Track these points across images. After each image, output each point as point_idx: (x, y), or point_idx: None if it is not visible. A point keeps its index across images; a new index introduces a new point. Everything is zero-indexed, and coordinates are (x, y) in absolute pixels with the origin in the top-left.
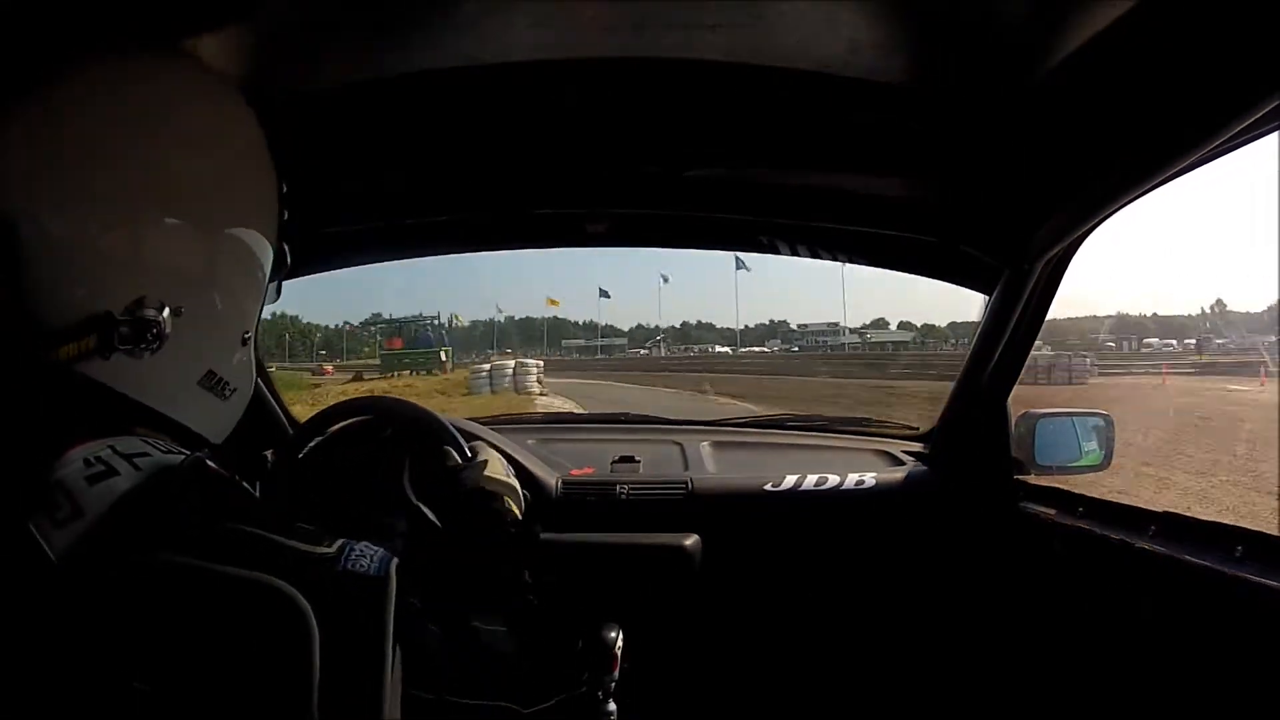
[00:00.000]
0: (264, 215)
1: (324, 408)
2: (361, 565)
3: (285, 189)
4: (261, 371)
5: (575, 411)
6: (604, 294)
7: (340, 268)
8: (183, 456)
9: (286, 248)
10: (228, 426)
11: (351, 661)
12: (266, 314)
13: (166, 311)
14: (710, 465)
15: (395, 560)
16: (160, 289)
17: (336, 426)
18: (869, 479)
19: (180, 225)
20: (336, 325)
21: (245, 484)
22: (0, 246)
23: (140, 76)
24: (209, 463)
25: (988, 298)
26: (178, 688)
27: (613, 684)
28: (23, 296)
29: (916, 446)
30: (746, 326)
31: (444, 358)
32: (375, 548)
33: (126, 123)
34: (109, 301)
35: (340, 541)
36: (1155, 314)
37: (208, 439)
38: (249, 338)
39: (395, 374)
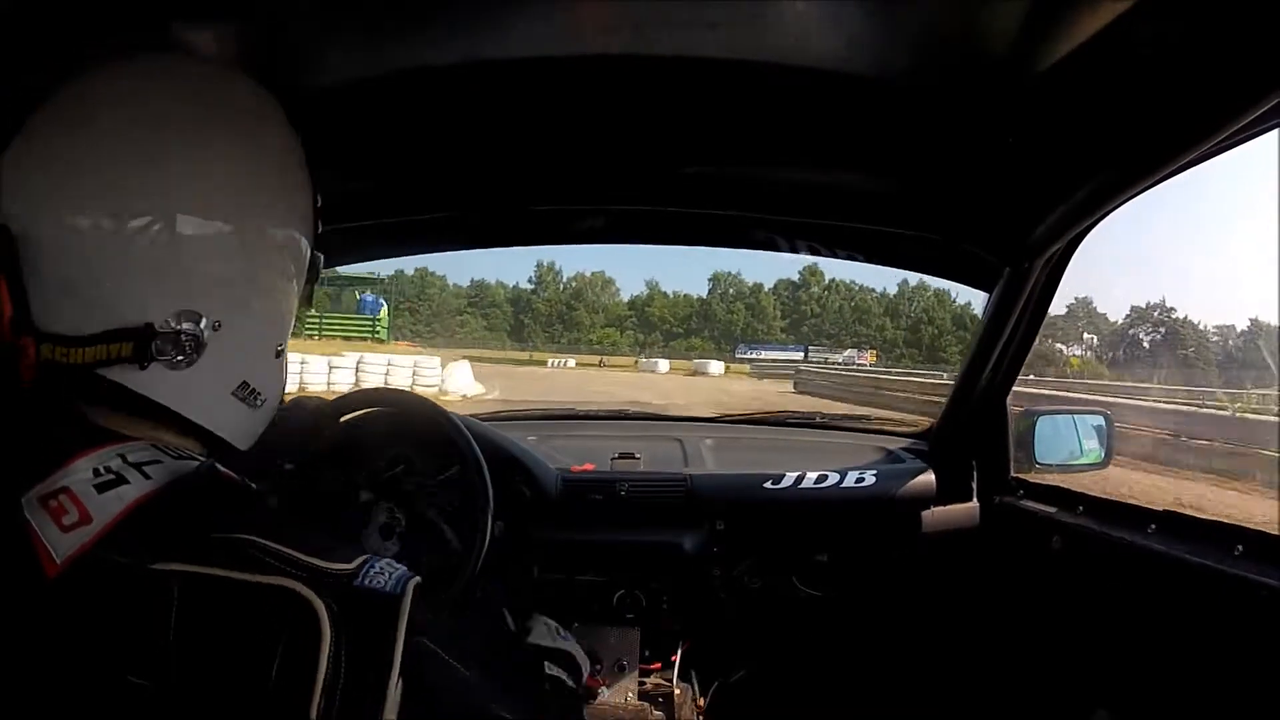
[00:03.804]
0: (302, 228)
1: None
2: (379, 583)
3: (320, 203)
4: None
5: (576, 408)
6: (799, 282)
7: (338, 265)
8: (196, 463)
9: (321, 257)
10: (255, 434)
11: (356, 675)
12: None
13: (205, 324)
14: (710, 462)
15: (415, 580)
16: (202, 302)
17: (353, 415)
18: (869, 476)
19: (223, 237)
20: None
21: (255, 486)
22: (18, 253)
23: (184, 86)
24: (221, 469)
25: (989, 296)
26: (179, 686)
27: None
28: (27, 299)
29: (917, 444)
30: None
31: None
32: (397, 566)
33: (171, 133)
34: (150, 312)
35: (362, 558)
36: None
37: (236, 446)
38: (283, 350)
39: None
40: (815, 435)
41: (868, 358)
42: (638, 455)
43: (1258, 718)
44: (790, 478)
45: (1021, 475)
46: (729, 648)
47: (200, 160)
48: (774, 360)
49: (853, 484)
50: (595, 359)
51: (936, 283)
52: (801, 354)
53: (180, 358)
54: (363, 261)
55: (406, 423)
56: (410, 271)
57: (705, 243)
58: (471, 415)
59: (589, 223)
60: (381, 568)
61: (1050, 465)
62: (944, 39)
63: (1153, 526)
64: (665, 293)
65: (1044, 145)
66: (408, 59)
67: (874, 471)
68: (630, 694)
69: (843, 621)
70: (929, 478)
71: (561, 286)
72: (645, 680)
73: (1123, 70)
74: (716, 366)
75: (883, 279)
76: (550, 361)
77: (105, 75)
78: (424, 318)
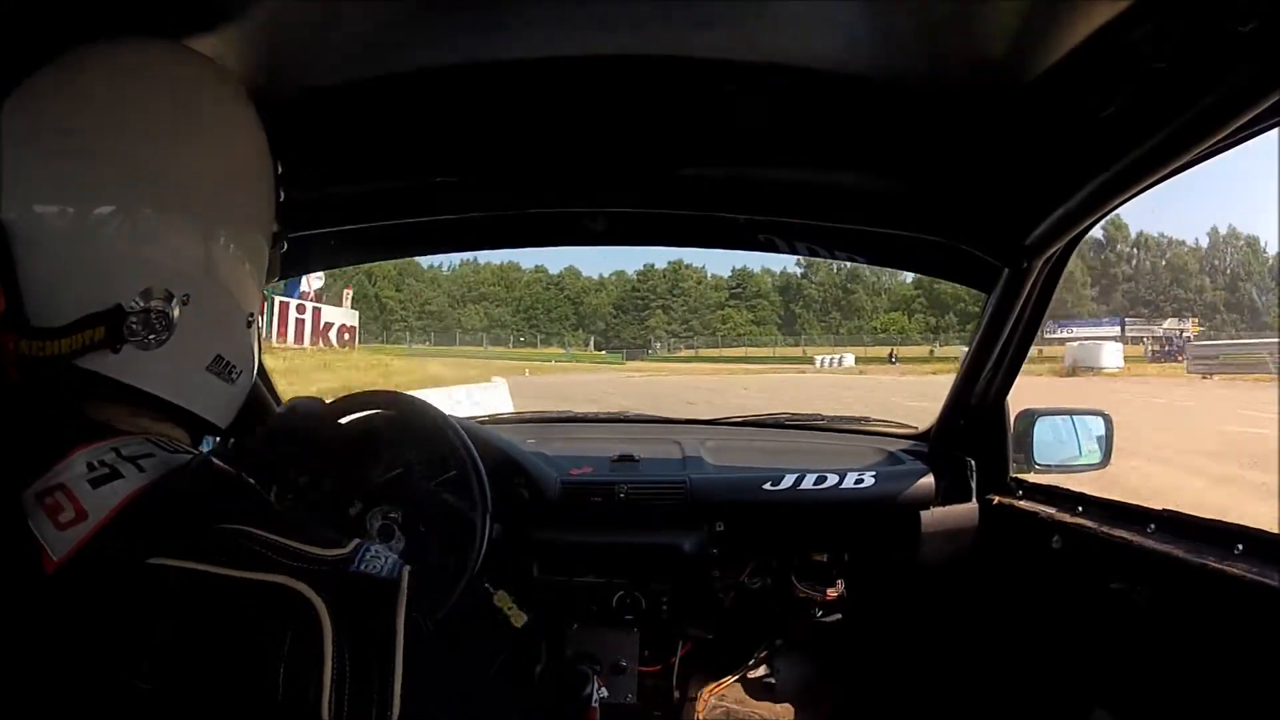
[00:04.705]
0: (262, 197)
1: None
2: (374, 567)
3: (280, 170)
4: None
5: (574, 412)
6: (1103, 240)
7: (341, 266)
8: (189, 456)
9: (283, 223)
10: (233, 411)
11: (361, 663)
12: None
13: (175, 300)
14: (709, 465)
15: (408, 568)
16: (167, 278)
17: (352, 418)
18: (868, 478)
19: (183, 213)
20: None
21: (251, 479)
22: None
23: (138, 67)
24: (215, 461)
25: (988, 296)
26: (182, 691)
27: None
28: (19, 293)
29: (916, 445)
30: None
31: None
32: (390, 552)
33: (124, 113)
34: (117, 294)
35: (356, 541)
36: None
37: (216, 424)
38: (253, 320)
39: None
40: (814, 437)
41: (1190, 327)
42: (637, 457)
43: (1258, 718)
44: (789, 479)
45: (1021, 476)
46: (728, 649)
47: (159, 147)
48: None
49: (852, 485)
50: (884, 351)
51: (1246, 229)
52: (1117, 328)
53: (151, 336)
54: (362, 263)
55: (405, 425)
56: (662, 265)
57: (705, 244)
58: (470, 418)
59: (589, 225)
60: (376, 552)
61: (1049, 466)
62: (942, 41)
63: (1152, 526)
64: None
65: (1042, 146)
66: (405, 61)
67: (873, 473)
68: (630, 695)
69: (842, 621)
70: (928, 479)
71: (835, 268)
72: (645, 681)
73: (1121, 71)
74: (1111, 354)
75: (1194, 228)
76: (820, 359)
77: (66, 64)
78: (679, 315)
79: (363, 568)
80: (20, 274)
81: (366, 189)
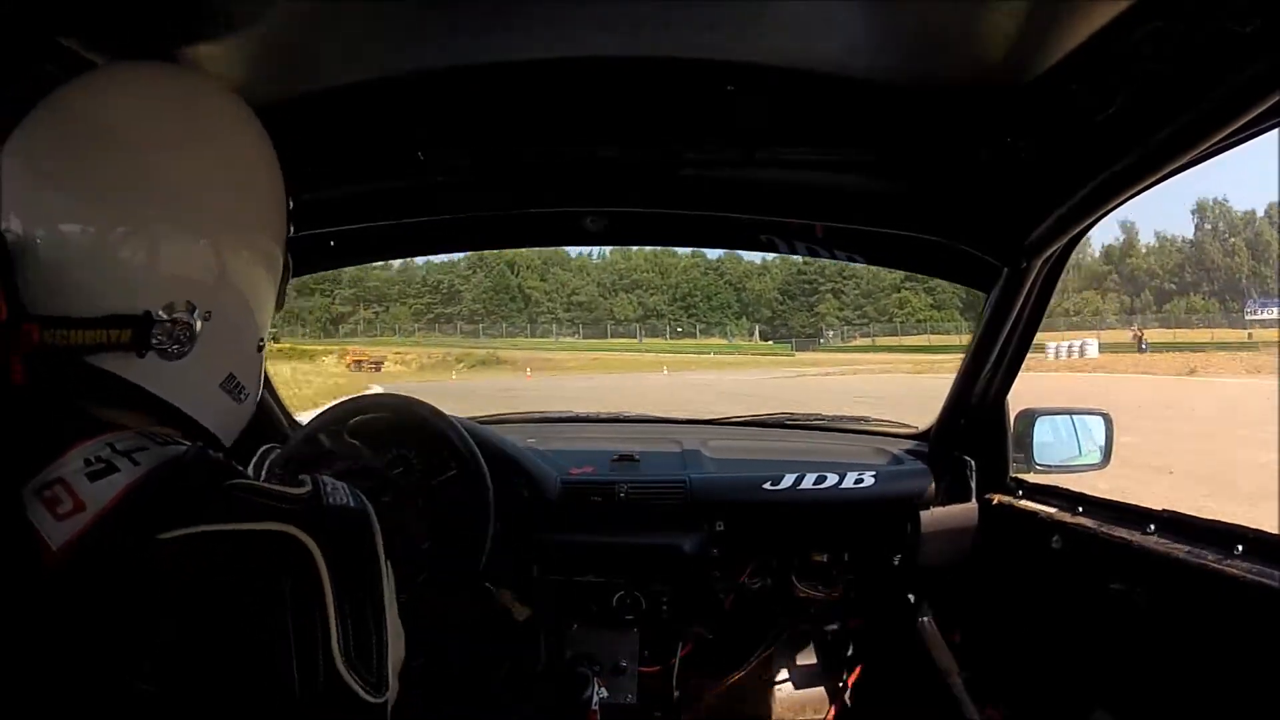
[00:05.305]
0: (277, 222)
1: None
2: (339, 499)
3: (291, 204)
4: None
5: (574, 412)
6: None
7: (341, 266)
8: (183, 447)
9: (290, 258)
10: (238, 429)
11: (354, 596)
12: None
13: (197, 313)
14: (710, 464)
15: (361, 493)
16: (193, 293)
17: (354, 420)
18: (868, 477)
19: (210, 231)
20: None
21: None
22: (10, 256)
23: (158, 95)
24: (210, 452)
25: (987, 296)
26: (186, 674)
27: None
28: (21, 302)
29: (916, 445)
30: None
31: None
32: (339, 481)
33: (146, 141)
34: (146, 302)
35: (306, 477)
36: None
37: (220, 440)
38: (263, 345)
39: None
40: (814, 437)
41: None
42: (637, 457)
43: (1258, 718)
44: (789, 479)
45: (1021, 476)
46: (729, 649)
47: (175, 166)
48: None
49: (852, 485)
50: (1128, 335)
51: None
52: None
53: (175, 347)
54: (365, 263)
55: (405, 426)
56: None
57: (705, 244)
58: (472, 418)
59: (589, 225)
60: (333, 484)
61: (1049, 466)
62: (942, 42)
63: (1152, 527)
64: (1143, 238)
65: (1042, 147)
66: (406, 62)
67: (873, 472)
68: (630, 696)
69: (842, 621)
70: (928, 478)
71: None
72: (645, 682)
73: (1121, 71)
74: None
75: None
76: (1052, 348)
77: (83, 85)
78: (851, 300)
79: (331, 501)
80: (44, 275)
81: (366, 189)
